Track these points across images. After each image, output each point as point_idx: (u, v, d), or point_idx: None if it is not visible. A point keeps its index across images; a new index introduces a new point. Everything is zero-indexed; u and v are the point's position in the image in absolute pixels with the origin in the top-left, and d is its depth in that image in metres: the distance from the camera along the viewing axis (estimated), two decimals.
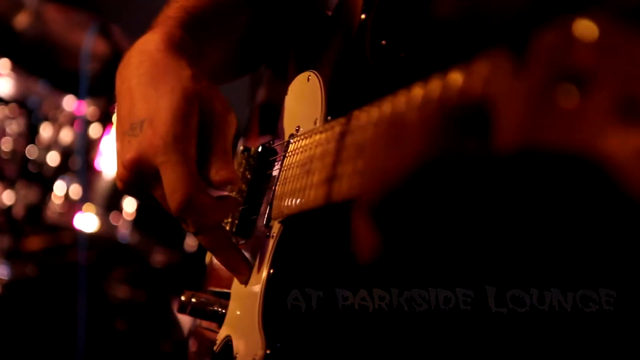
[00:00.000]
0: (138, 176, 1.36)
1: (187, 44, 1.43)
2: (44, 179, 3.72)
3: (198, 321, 1.69)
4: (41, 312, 3.74)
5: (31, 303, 3.73)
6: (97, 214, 3.70)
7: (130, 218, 3.75)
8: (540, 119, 0.70)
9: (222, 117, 1.39)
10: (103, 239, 3.75)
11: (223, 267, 1.44)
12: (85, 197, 3.68)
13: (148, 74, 1.38)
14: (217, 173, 1.36)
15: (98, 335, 3.72)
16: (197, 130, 1.35)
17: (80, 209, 3.68)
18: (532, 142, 0.72)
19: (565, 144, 0.67)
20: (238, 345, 1.41)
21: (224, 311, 1.50)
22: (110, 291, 3.85)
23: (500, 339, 1.10)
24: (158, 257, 3.82)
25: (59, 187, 3.72)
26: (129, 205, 3.71)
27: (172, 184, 1.31)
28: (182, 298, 1.50)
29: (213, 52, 1.52)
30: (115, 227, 3.74)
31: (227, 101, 1.40)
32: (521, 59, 0.74)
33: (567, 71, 0.68)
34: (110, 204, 3.71)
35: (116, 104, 1.45)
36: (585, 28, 0.67)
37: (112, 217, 3.73)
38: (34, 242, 3.83)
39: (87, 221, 3.71)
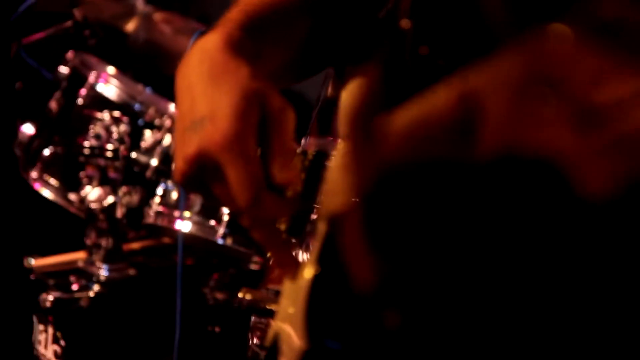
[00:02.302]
0: (198, 171, 1.40)
1: (246, 45, 1.47)
2: (146, 184, 3.83)
3: (256, 317, 1.74)
4: (139, 311, 3.86)
5: (130, 303, 3.85)
6: (195, 222, 3.77)
7: (229, 224, 3.80)
8: (520, 118, 0.73)
9: (281, 116, 1.41)
10: (201, 243, 3.83)
11: (276, 264, 1.49)
12: (184, 205, 3.76)
13: (207, 72, 1.43)
14: (279, 173, 1.40)
15: (193, 337, 3.81)
16: (256, 128, 1.39)
17: (180, 216, 3.77)
18: (511, 144, 0.74)
19: (536, 146, 0.70)
20: (284, 340, 1.45)
21: (276, 308, 1.54)
22: (208, 294, 3.93)
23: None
24: (255, 263, 3.88)
25: (161, 192, 3.81)
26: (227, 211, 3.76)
27: (239, 182, 1.35)
28: (239, 295, 1.55)
29: (272, 55, 1.55)
30: (215, 232, 3.80)
31: (285, 101, 1.44)
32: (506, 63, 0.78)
33: (544, 73, 0.71)
34: (209, 212, 3.78)
35: (176, 101, 1.50)
36: (560, 37, 0.70)
37: (211, 223, 3.79)
38: (135, 246, 3.95)
39: (186, 227, 3.78)
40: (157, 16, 3.97)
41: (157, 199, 3.81)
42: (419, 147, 0.81)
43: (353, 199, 0.98)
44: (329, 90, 1.67)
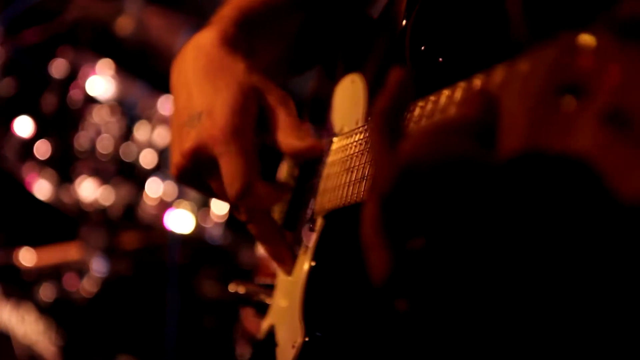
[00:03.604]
0: (196, 165, 1.43)
1: (240, 41, 1.50)
2: (138, 177, 3.83)
3: (247, 310, 1.76)
4: (133, 308, 3.87)
5: (124, 300, 3.86)
6: (191, 210, 3.78)
7: (221, 218, 3.80)
8: (543, 122, 0.75)
9: (280, 107, 1.44)
10: (193, 238, 3.83)
11: (271, 260, 1.52)
12: (179, 194, 3.76)
13: (204, 68, 1.46)
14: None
15: (187, 332, 3.82)
16: (254, 122, 1.43)
17: (172, 206, 3.77)
18: (533, 146, 0.76)
19: (562, 148, 0.71)
20: (280, 334, 1.48)
21: (269, 302, 1.57)
22: (200, 289, 3.94)
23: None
24: (246, 256, 3.89)
25: (153, 185, 3.82)
26: (218, 205, 3.77)
27: (230, 173, 1.38)
28: (230, 288, 1.57)
29: (266, 51, 1.58)
30: (204, 227, 3.81)
31: (283, 92, 1.46)
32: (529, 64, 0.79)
33: (567, 79, 0.72)
34: (202, 200, 3.79)
35: (173, 97, 1.52)
36: (586, 41, 0.71)
37: (202, 216, 3.80)
38: (128, 238, 3.96)
39: (180, 218, 3.78)
40: (149, 11, 3.98)
41: (148, 193, 3.81)
42: (441, 145, 0.83)
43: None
44: (319, 87, 1.69)
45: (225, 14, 1.55)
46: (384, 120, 0.93)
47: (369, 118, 1.16)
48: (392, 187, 0.87)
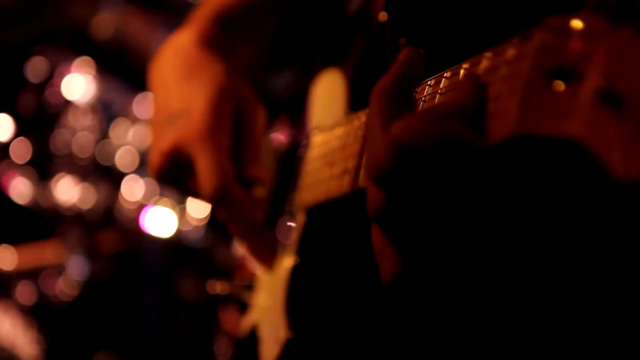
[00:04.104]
0: (173, 165, 1.44)
1: (218, 40, 1.52)
2: (115, 175, 3.81)
3: (226, 310, 1.75)
4: (110, 308, 3.84)
5: (102, 301, 3.83)
6: (171, 206, 3.76)
7: (197, 220, 3.79)
8: (533, 106, 0.74)
9: (253, 112, 1.47)
10: (172, 240, 3.82)
11: (252, 258, 1.51)
12: (158, 191, 3.75)
13: (182, 68, 1.47)
14: (247, 169, 1.44)
15: (166, 334, 3.81)
16: (231, 123, 1.44)
17: (151, 204, 3.75)
18: (524, 130, 0.75)
19: (554, 131, 0.71)
20: (264, 331, 1.47)
21: (249, 300, 1.56)
22: (178, 290, 3.92)
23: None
24: (223, 256, 3.88)
25: (131, 182, 3.80)
26: (194, 206, 3.75)
27: (206, 172, 1.39)
28: (208, 288, 1.57)
29: (244, 50, 1.59)
30: (181, 230, 3.79)
31: (257, 96, 1.47)
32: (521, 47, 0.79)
33: (558, 62, 0.72)
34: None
35: (151, 96, 1.52)
36: (575, 23, 0.72)
37: (181, 215, 3.78)
38: (105, 238, 3.93)
39: (160, 216, 3.76)
40: (126, 10, 3.96)
41: (126, 191, 3.79)
42: (431, 128, 0.82)
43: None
44: (297, 82, 1.69)
45: (203, 14, 1.57)
46: (384, 99, 0.92)
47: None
48: (389, 166, 0.86)
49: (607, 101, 0.66)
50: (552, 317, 1.06)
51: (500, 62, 0.83)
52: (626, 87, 0.65)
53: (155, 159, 1.46)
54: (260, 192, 1.47)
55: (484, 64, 0.86)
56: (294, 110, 1.62)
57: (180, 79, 1.46)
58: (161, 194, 3.74)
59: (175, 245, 3.82)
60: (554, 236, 1.02)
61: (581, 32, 0.71)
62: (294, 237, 1.43)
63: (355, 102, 1.35)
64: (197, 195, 1.46)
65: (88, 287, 3.77)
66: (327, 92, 1.45)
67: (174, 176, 1.46)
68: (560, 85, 0.71)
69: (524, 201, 0.98)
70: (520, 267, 1.07)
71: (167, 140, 1.43)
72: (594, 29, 0.70)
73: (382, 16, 1.28)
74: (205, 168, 1.39)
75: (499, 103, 0.81)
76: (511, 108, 0.78)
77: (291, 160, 1.54)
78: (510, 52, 0.81)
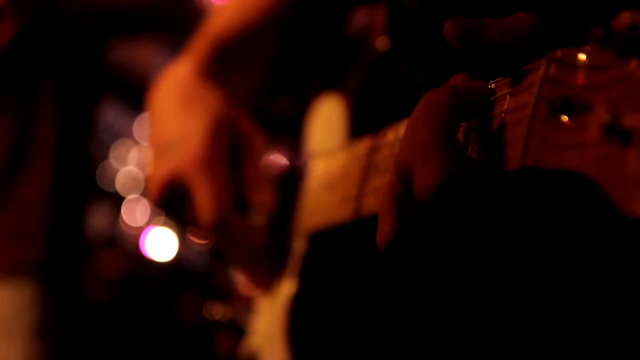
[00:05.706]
0: (171, 194, 1.44)
1: (216, 70, 1.53)
2: (117, 196, 3.82)
3: (224, 332, 1.74)
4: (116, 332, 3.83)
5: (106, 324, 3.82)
6: (171, 226, 3.77)
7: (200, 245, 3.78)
8: (539, 139, 0.74)
9: (252, 139, 1.47)
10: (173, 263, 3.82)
11: (251, 285, 1.50)
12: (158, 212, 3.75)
13: (179, 98, 1.48)
14: (249, 196, 1.44)
15: (170, 355, 3.80)
16: (228, 151, 1.44)
17: (153, 224, 3.76)
18: (529, 160, 0.74)
19: (559, 164, 0.70)
20: (264, 358, 1.45)
21: (248, 326, 1.55)
22: (180, 311, 3.92)
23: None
24: (223, 278, 3.88)
25: (132, 204, 3.80)
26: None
27: (203, 202, 1.39)
28: (206, 311, 1.56)
29: (242, 78, 1.60)
30: (182, 254, 3.79)
31: (256, 124, 1.47)
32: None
33: (563, 95, 0.72)
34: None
35: (150, 125, 1.53)
36: (579, 57, 0.71)
37: (181, 239, 3.78)
38: (106, 260, 3.93)
39: (160, 237, 3.77)
40: None
41: (127, 211, 3.79)
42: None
43: None
44: (296, 107, 1.68)
45: (202, 43, 1.58)
46: (449, 116, 0.85)
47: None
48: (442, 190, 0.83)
49: (613, 135, 0.65)
50: (558, 347, 1.05)
51: (504, 92, 0.82)
52: (633, 121, 0.64)
53: (153, 188, 1.46)
54: (259, 219, 1.46)
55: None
56: (294, 133, 1.62)
57: (178, 108, 1.47)
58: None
59: (177, 267, 3.83)
60: (562, 268, 1.01)
61: (586, 65, 0.70)
62: (295, 263, 1.42)
63: (356, 126, 1.35)
64: (195, 224, 1.45)
65: (91, 309, 3.76)
66: (327, 116, 1.44)
67: (172, 205, 1.46)
68: (565, 118, 0.71)
69: (533, 231, 0.97)
70: (528, 295, 1.06)
71: (164, 169, 1.44)
72: (599, 62, 0.69)
73: (382, 42, 1.28)
74: (202, 198, 1.39)
75: (504, 134, 0.80)
76: (517, 139, 0.77)
77: (292, 185, 1.53)
78: (515, 83, 0.80)
